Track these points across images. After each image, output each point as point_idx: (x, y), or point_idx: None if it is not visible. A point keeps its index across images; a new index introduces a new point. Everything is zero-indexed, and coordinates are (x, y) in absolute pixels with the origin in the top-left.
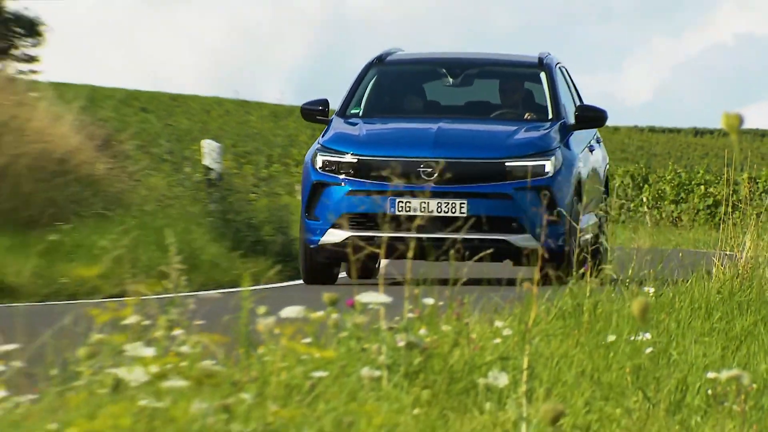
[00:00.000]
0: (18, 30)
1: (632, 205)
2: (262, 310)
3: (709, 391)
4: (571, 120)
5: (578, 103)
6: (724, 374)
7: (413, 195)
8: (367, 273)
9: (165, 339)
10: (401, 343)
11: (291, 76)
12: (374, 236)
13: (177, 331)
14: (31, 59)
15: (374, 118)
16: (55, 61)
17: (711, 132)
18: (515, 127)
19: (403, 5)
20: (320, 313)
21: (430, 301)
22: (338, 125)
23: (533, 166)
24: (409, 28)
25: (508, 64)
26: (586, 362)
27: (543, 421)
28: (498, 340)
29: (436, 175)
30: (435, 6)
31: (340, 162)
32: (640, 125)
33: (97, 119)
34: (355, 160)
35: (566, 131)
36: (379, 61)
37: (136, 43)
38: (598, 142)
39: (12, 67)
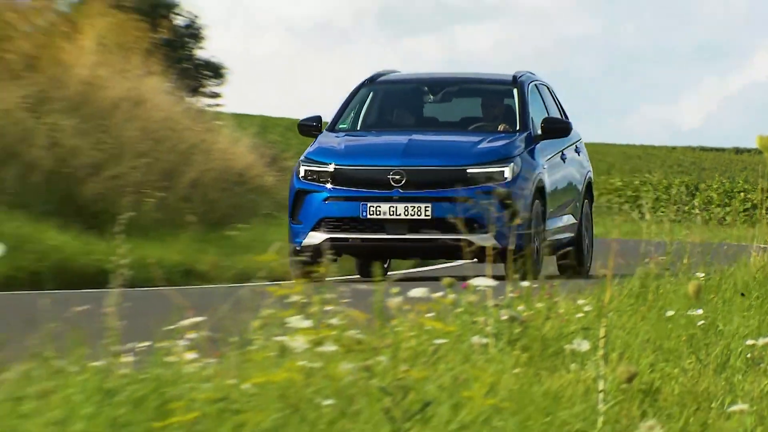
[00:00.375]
0: (206, 73)
1: (686, 208)
2: (395, 290)
3: (749, 355)
4: (539, 131)
5: (564, 117)
6: (761, 341)
7: (383, 200)
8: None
9: (319, 314)
10: (504, 317)
11: None
12: (348, 238)
13: (329, 308)
14: (215, 95)
15: (362, 131)
16: (235, 96)
17: (749, 151)
18: (480, 138)
19: (505, 51)
20: (440, 294)
21: (526, 283)
22: (323, 139)
23: (493, 172)
24: (511, 69)
25: (484, 82)
26: (650, 332)
27: (619, 379)
28: (580, 315)
29: (404, 181)
30: (531, 53)
31: (320, 171)
32: (693, 146)
33: (267, 142)
34: (332, 170)
35: (531, 141)
36: (371, 81)
37: (299, 81)
38: (577, 151)
39: (201, 102)
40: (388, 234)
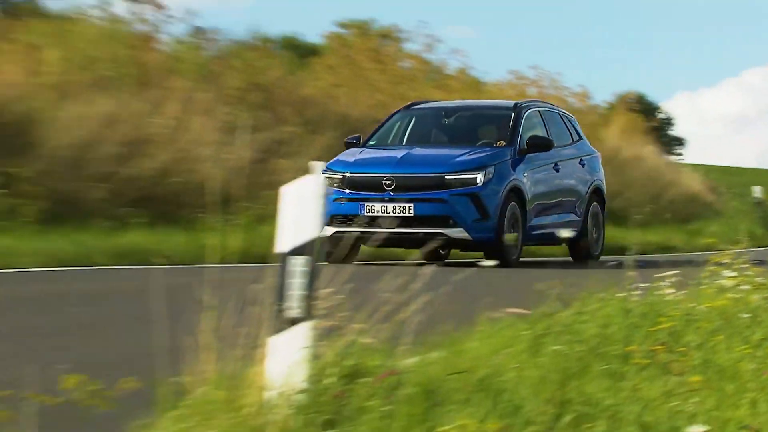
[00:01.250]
0: (675, 143)
1: None
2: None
3: None
4: (524, 146)
5: (575, 137)
6: None
7: (376, 201)
8: (438, 257)
9: (739, 269)
10: None
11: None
12: (350, 231)
13: (744, 265)
14: (680, 154)
15: (383, 146)
16: (692, 154)
17: None
18: (466, 151)
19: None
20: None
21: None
22: (345, 152)
23: (466, 178)
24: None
25: (491, 108)
26: None
27: None
28: None
29: (394, 186)
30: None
31: (334, 178)
32: None
33: (709, 179)
34: (343, 177)
35: (515, 154)
36: (406, 108)
37: (728, 147)
38: (581, 163)
39: (673, 158)
40: (380, 228)
